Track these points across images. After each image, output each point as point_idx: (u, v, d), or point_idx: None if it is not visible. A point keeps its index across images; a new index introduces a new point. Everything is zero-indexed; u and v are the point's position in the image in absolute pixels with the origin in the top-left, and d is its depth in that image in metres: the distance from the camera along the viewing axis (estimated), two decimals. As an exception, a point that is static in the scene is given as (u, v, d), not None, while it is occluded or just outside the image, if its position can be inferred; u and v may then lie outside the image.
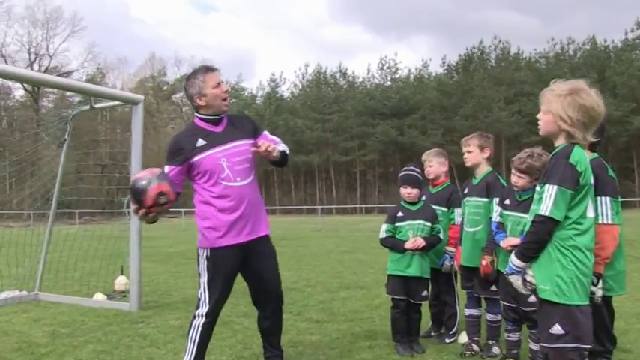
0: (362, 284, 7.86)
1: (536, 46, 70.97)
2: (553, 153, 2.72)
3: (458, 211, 4.61)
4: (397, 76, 61.39)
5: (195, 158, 3.41)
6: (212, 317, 3.49)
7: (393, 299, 4.41)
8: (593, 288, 2.87)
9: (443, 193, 4.76)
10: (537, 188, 2.74)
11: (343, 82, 62.31)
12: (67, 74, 50.88)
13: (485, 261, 4.04)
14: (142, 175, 3.24)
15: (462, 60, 56.78)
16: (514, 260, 2.75)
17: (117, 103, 6.17)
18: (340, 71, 62.13)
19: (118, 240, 7.98)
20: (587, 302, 2.64)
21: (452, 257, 4.56)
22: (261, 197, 3.71)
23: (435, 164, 4.80)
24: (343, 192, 58.24)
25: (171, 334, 5.01)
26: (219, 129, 3.52)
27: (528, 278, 2.74)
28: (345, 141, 56.97)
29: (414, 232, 4.32)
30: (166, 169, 3.44)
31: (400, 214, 4.40)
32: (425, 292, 4.41)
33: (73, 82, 6.44)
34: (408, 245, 4.27)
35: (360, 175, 57.83)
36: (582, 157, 2.62)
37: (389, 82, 61.23)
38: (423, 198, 4.80)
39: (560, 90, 2.68)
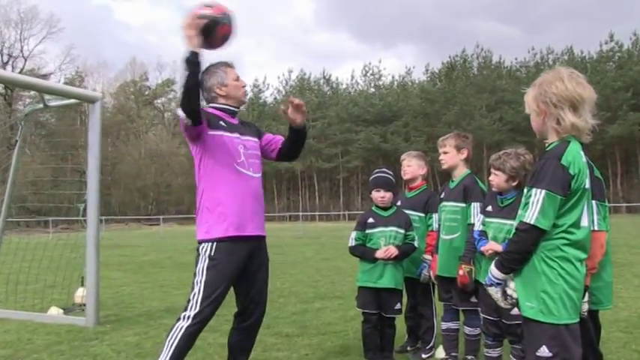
0: (338, 294, 7.53)
1: (518, 55, 71.53)
2: (544, 152, 2.41)
3: (436, 217, 4.29)
4: (381, 83, 61.59)
5: (218, 132, 3.25)
6: (199, 322, 3.07)
7: (363, 313, 4.06)
8: None
9: (420, 197, 4.45)
10: (525, 191, 2.43)
11: (327, 88, 62.21)
12: (44, 77, 49.75)
13: (463, 271, 3.74)
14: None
15: (444, 68, 57.10)
16: (494, 271, 2.44)
17: (73, 101, 5.77)
18: (324, 77, 62.09)
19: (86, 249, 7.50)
20: (577, 320, 2.32)
21: (430, 266, 4.24)
22: None
23: (413, 165, 4.50)
24: (326, 199, 58.00)
25: (125, 352, 4.59)
26: (235, 121, 3.43)
27: (509, 292, 2.43)
28: (328, 147, 56.79)
29: (386, 240, 3.99)
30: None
31: (371, 220, 4.06)
32: (398, 305, 4.06)
33: (22, 78, 5.97)
34: (379, 254, 3.94)
35: (344, 181, 57.66)
36: (577, 157, 2.31)
37: (372, 89, 61.32)
38: (398, 203, 4.49)
39: (532, 85, 2.46)
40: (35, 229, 29.22)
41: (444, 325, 4.12)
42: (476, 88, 52.64)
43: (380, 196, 4.06)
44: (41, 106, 5.71)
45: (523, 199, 2.40)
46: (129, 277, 10.13)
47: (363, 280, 4.03)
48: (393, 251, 3.92)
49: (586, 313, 2.69)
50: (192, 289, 3.12)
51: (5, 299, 7.17)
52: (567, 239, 2.28)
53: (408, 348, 4.53)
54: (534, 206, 2.26)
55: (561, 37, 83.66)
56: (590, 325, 3.05)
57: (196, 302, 3.06)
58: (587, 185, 2.36)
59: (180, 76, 3.08)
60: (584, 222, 2.35)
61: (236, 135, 3.33)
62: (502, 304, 2.51)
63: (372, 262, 3.98)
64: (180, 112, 3.04)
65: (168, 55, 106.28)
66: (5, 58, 52.68)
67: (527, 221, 2.27)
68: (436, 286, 4.34)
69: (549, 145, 2.40)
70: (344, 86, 62.51)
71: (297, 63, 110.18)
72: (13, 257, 8.04)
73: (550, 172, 2.27)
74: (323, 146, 56.70)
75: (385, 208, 4.09)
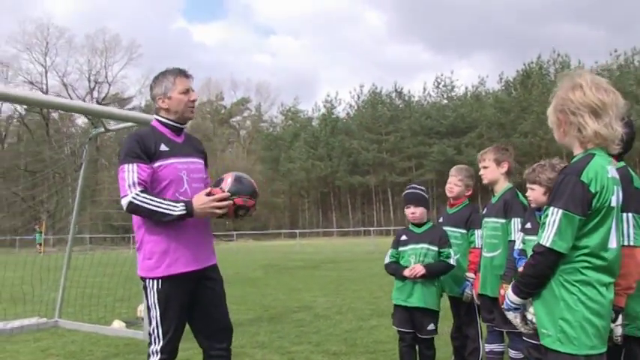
0: (396, 311, 7.38)
1: (599, 58, 67.49)
2: (564, 166, 2.27)
3: (478, 233, 4.14)
4: (453, 94, 60.42)
5: (158, 163, 3.00)
6: (168, 354, 3.06)
7: (399, 331, 3.97)
8: (611, 325, 2.36)
9: (461, 213, 4.31)
10: (544, 209, 2.29)
11: (399, 101, 61.82)
12: (125, 100, 52.72)
13: (504, 290, 3.55)
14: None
15: (519, 76, 55.19)
16: (511, 296, 2.31)
17: (129, 124, 6.09)
18: (396, 90, 61.77)
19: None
20: (603, 350, 2.14)
21: (472, 285, 4.08)
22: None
23: (461, 185, 4.37)
24: (401, 213, 57.20)
25: (174, 367, 4.73)
26: (180, 139, 3.19)
27: (529, 316, 2.29)
28: (401, 161, 56.33)
29: (416, 258, 3.89)
30: (137, 167, 2.93)
31: (404, 237, 3.99)
32: (432, 326, 3.91)
33: (79, 104, 6.41)
34: (405, 273, 3.86)
35: (418, 195, 56.82)
36: (600, 173, 2.12)
37: (445, 101, 60.26)
38: (440, 219, 4.38)
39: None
40: (120, 245, 30.82)
41: (488, 347, 3.96)
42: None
43: (410, 212, 3.98)
44: (102, 129, 6.08)
45: (542, 218, 2.24)
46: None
47: (396, 298, 3.97)
48: (419, 270, 3.80)
49: (620, 338, 2.47)
50: (150, 323, 3.06)
51: (77, 311, 7.60)
52: (590, 262, 2.11)
53: (454, 369, 4.39)
54: (551, 227, 2.11)
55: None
56: (636, 353, 2.79)
57: (158, 336, 3.02)
58: (614, 203, 2.18)
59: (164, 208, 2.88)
60: (613, 243, 2.17)
61: (178, 160, 3.07)
62: (523, 329, 2.37)
63: (403, 280, 3.91)
64: (123, 203, 2.90)
65: (241, 74, 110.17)
66: (92, 85, 56.36)
67: (543, 243, 2.12)
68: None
69: (573, 158, 2.25)
70: (416, 99, 61.96)
71: (371, 76, 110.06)
72: (96, 271, 8.48)
73: (568, 190, 2.11)
74: (396, 160, 56.31)
75: (419, 225, 4.00)
